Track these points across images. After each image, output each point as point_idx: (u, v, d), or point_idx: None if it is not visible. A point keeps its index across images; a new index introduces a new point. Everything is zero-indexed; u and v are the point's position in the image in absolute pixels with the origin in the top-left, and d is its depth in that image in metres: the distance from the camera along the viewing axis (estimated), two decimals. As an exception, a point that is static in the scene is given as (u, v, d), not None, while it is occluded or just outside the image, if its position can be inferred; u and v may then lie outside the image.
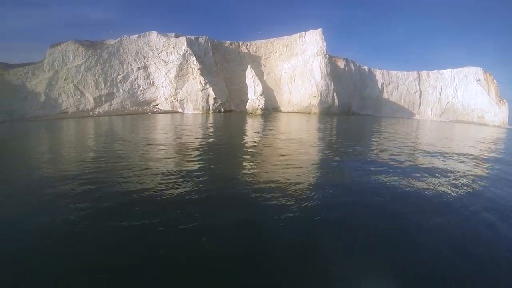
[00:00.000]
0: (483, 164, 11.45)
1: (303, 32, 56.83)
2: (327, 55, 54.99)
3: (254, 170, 8.69)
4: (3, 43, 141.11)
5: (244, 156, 11.24)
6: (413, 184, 7.55)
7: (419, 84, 65.60)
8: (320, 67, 52.98)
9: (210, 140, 16.08)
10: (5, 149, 16.06)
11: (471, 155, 13.37)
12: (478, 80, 66.56)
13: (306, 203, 5.78)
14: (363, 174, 8.45)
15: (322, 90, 51.52)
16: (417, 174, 8.63)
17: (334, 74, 54.77)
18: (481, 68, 66.85)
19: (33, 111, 55.33)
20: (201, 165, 9.27)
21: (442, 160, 11.31)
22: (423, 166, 10.01)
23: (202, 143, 14.56)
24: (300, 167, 9.08)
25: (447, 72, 66.97)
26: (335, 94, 52.24)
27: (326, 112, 50.90)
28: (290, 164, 9.54)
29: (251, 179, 7.68)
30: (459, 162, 11.29)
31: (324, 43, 54.96)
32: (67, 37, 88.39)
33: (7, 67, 59.69)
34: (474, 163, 11.27)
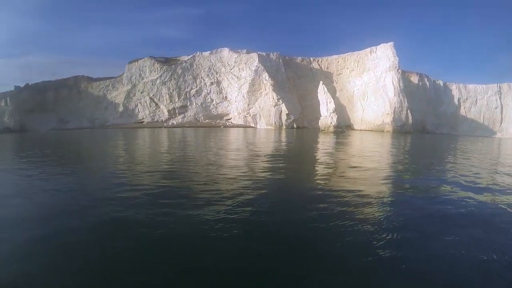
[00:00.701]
0: None
1: (374, 47, 55.23)
2: (399, 70, 52.79)
3: (326, 186, 8.13)
4: (87, 59, 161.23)
5: (315, 172, 10.79)
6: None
7: (500, 98, 60.20)
8: (393, 83, 51.00)
9: (283, 153, 16.71)
10: (90, 150, 19.08)
11: None
12: None
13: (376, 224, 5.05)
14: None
15: (395, 107, 49.46)
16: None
17: (407, 90, 52.34)
18: None
19: (112, 119, 60.25)
20: (275, 176, 9.23)
21: None
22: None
23: (274, 156, 15.00)
24: (372, 185, 8.25)
25: (533, 85, 60.71)
26: (408, 111, 49.84)
27: (400, 130, 48.67)
28: (361, 180, 8.78)
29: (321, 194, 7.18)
30: None
31: (396, 57, 52.88)
32: (143, 54, 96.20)
33: (90, 80, 65.65)
34: None
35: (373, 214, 5.50)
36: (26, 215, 5.52)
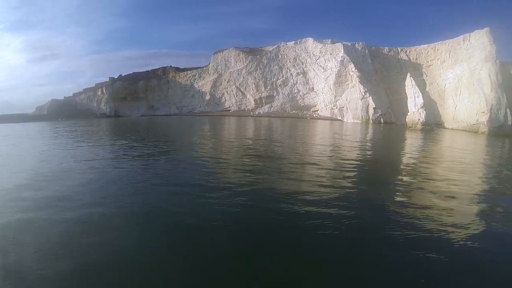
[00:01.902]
0: None
1: (468, 34, 51.99)
2: (497, 61, 49.36)
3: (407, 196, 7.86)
4: (175, 51, 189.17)
5: (395, 178, 10.33)
6: None
7: None
8: (489, 76, 47.99)
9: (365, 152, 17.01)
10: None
11: None
12: None
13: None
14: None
15: (492, 105, 46.38)
16: None
17: (507, 85, 49.15)
18: None
19: (199, 107, 66.85)
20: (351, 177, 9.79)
21: None
22: None
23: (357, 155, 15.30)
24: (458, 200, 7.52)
25: None
26: (508, 110, 46.44)
27: (497, 132, 44.80)
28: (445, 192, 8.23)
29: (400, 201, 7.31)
30: None
31: (494, 46, 49.21)
32: (228, 45, 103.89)
33: (178, 71, 72.81)
34: None
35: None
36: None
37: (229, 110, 63.46)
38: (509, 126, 45.55)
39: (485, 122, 45.32)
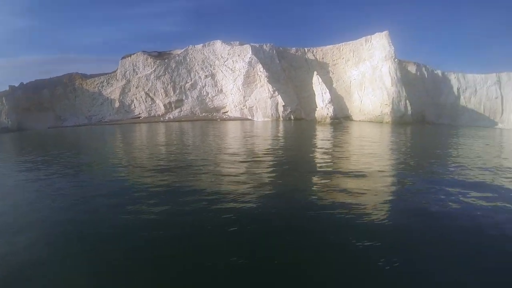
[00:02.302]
0: None
1: (369, 36, 54.35)
2: (396, 60, 51.84)
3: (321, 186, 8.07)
4: (81, 56, 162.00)
5: (308, 171, 10.29)
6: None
7: (499, 88, 59.13)
8: (389, 72, 50.04)
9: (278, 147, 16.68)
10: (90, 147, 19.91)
11: None
12: None
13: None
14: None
15: (393, 98, 48.52)
16: None
17: (405, 80, 51.38)
18: None
19: (109, 115, 59.71)
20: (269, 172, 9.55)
21: None
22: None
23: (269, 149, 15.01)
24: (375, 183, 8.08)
25: (532, 74, 59.64)
26: (407, 101, 48.88)
27: (399, 121, 47.67)
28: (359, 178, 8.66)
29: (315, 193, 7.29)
30: None
31: (392, 46, 51.93)
32: (137, 48, 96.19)
33: (85, 77, 65.10)
34: None
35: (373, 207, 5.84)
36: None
37: (139, 117, 57.30)
38: (409, 115, 48.81)
39: (389, 113, 47.45)
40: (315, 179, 8.75)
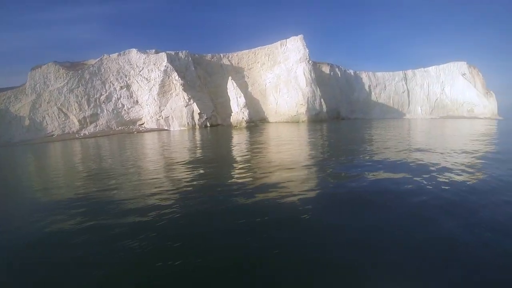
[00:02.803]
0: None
1: (284, 40, 56.48)
2: (310, 61, 54.60)
3: (245, 185, 7.82)
4: None
5: (231, 172, 10.26)
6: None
7: (406, 83, 65.42)
8: (304, 73, 52.56)
9: (189, 159, 15.36)
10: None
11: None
12: (464, 74, 66.55)
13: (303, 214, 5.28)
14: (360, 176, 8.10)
15: (308, 97, 51.04)
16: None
17: (319, 80, 54.38)
18: (465, 62, 66.93)
19: (19, 135, 54.58)
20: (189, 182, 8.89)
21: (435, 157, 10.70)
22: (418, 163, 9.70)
23: (184, 161, 14.01)
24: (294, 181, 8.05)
25: (432, 69, 66.96)
26: (322, 100, 51.81)
27: (315, 119, 50.35)
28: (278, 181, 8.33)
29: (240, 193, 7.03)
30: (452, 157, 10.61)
31: (306, 49, 54.61)
32: (49, 58, 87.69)
33: (-12, 93, 58.87)
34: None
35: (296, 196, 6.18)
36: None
37: (52, 135, 53.24)
38: (325, 113, 51.83)
39: (304, 112, 49.68)
40: (234, 181, 8.43)
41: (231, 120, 46.07)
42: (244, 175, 8.99)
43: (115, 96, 51.43)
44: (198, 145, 21.85)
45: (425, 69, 67.93)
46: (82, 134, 51.20)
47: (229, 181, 8.28)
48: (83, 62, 56.64)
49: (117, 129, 50.26)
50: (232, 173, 9.73)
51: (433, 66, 68.05)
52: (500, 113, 64.70)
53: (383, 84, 64.51)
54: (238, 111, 45.94)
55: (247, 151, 15.27)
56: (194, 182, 8.32)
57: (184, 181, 8.54)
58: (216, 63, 52.12)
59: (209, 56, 52.53)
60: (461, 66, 67.87)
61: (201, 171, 10.10)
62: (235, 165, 11.40)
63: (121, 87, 51.53)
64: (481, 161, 10.03)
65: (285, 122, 50.68)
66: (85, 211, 6.41)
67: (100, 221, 5.69)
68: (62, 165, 18.23)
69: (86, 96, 52.30)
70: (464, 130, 28.16)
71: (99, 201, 7.36)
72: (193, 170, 10.30)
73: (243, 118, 45.19)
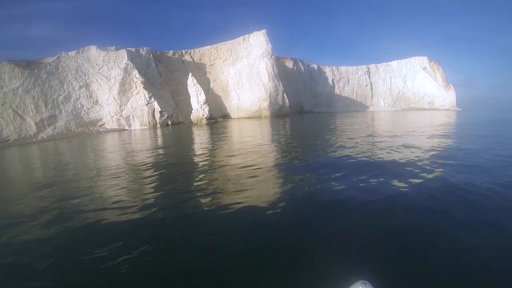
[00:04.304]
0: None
1: (247, 35, 56.70)
2: (273, 56, 55.18)
3: (209, 187, 7.53)
4: None
5: (191, 175, 9.68)
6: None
7: (369, 77, 67.49)
8: (266, 68, 53.07)
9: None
10: None
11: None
12: (425, 68, 69.49)
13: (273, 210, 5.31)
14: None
15: (271, 92, 51.64)
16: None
17: (282, 75, 55.12)
18: (426, 57, 69.86)
19: (-29, 142, 52.11)
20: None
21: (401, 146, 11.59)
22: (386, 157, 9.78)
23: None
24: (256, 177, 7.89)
25: (394, 64, 69.42)
26: (285, 94, 52.57)
27: (277, 114, 51.04)
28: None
29: (206, 196, 6.82)
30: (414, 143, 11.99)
31: (269, 44, 55.08)
32: (3, 57, 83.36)
33: None
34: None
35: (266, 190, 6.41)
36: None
37: (8, 141, 51.01)
38: (287, 107, 52.56)
39: (267, 107, 50.04)
40: (197, 181, 8.17)
41: (192, 117, 45.92)
42: (204, 181, 8.26)
43: (74, 96, 50.06)
44: (160, 146, 21.26)
45: (388, 63, 70.37)
46: (40, 138, 49.32)
47: (190, 187, 7.67)
48: (40, 60, 54.53)
49: (76, 130, 48.95)
50: (190, 178, 8.97)
51: (396, 61, 70.62)
52: (458, 105, 68.19)
53: (346, 78, 66.27)
54: (198, 108, 45.85)
55: (208, 154, 14.32)
56: (156, 188, 7.88)
57: (146, 187, 8.07)
58: (177, 59, 51.74)
59: (170, 52, 52.08)
60: (422, 61, 70.72)
61: (156, 175, 9.65)
62: (193, 168, 10.63)
63: (80, 87, 50.22)
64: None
65: (248, 117, 50.94)
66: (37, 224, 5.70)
67: (60, 234, 5.13)
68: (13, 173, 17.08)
69: (43, 97, 50.50)
70: (426, 121, 29.81)
71: (59, 211, 6.49)
72: (152, 175, 9.77)
73: (203, 115, 45.12)
